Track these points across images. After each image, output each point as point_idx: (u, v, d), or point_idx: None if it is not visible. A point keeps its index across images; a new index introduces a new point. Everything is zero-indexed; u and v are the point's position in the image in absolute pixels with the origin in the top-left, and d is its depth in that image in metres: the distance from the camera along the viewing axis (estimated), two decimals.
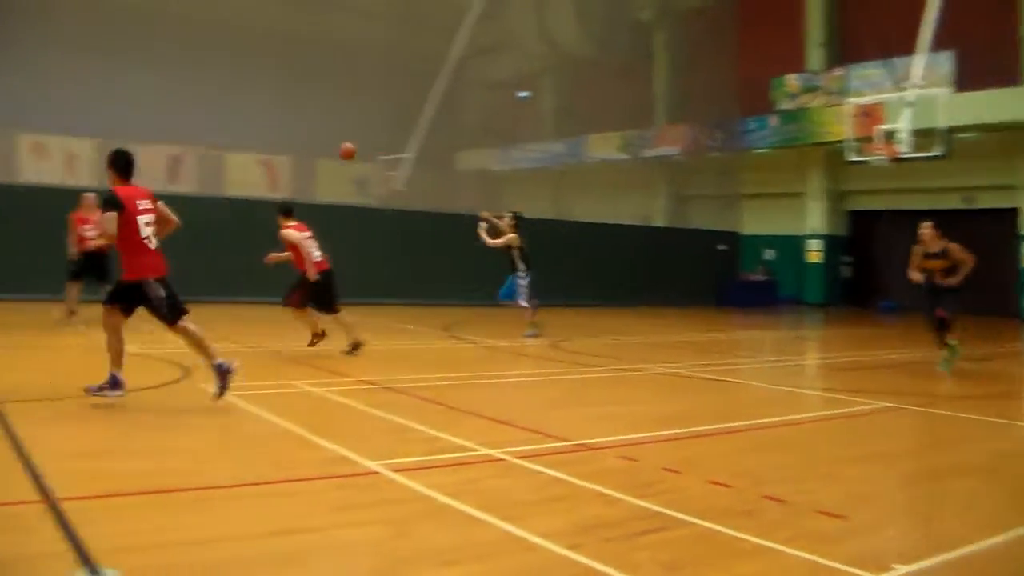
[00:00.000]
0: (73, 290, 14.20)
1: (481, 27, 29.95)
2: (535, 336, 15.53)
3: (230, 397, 8.14)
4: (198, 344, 8.18)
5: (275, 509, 5.12)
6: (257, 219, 17.19)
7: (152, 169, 26.99)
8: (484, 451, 6.62)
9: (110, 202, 7.83)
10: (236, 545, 4.46)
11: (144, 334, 11.06)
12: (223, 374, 8.00)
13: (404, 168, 28.50)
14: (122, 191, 7.95)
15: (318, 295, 12.00)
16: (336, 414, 8.16)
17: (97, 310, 8.18)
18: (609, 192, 33.89)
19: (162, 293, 7.93)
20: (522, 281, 15.64)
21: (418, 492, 5.43)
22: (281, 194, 26.20)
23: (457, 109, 33.25)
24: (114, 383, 7.92)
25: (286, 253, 12.07)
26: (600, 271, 25.97)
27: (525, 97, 39.21)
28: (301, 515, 5.00)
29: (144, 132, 26.02)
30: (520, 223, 15.98)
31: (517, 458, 6.40)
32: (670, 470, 6.29)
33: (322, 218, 17.45)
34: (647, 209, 33.70)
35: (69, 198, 15.08)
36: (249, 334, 14.13)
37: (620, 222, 28.85)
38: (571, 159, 35.82)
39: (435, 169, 31.66)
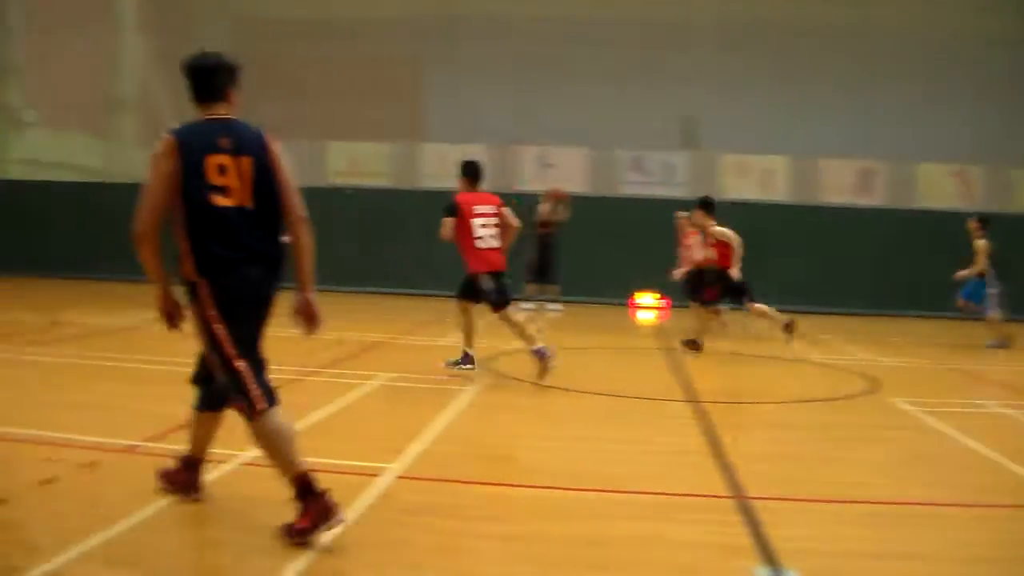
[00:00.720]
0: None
1: None
2: (1002, 346, 13.97)
3: (917, 413, 7.97)
4: (519, 332, 9.25)
5: (956, 533, 4.91)
6: (947, 231, 16.58)
7: (840, 183, 27.15)
8: None
9: (446, 209, 9.19)
10: (913, 565, 4.37)
11: (824, 346, 11.25)
12: (542, 359, 8.97)
13: None
14: (461, 198, 9.25)
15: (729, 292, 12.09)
16: None
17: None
18: None
19: (491, 285, 9.10)
20: (992, 291, 13.94)
21: None
22: (975, 206, 24.74)
23: None
24: (466, 359, 9.40)
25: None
26: None
27: None
28: (985, 543, 4.75)
29: (833, 147, 26.38)
30: (986, 226, 14.11)
31: None
32: None
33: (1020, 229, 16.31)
34: None
35: (759, 212, 15.79)
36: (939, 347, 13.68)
37: None
38: None
39: None
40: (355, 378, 8.93)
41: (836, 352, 12.64)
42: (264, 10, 32.65)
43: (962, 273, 14.34)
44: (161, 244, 4.36)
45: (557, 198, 17.53)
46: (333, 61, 29.98)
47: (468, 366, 9.46)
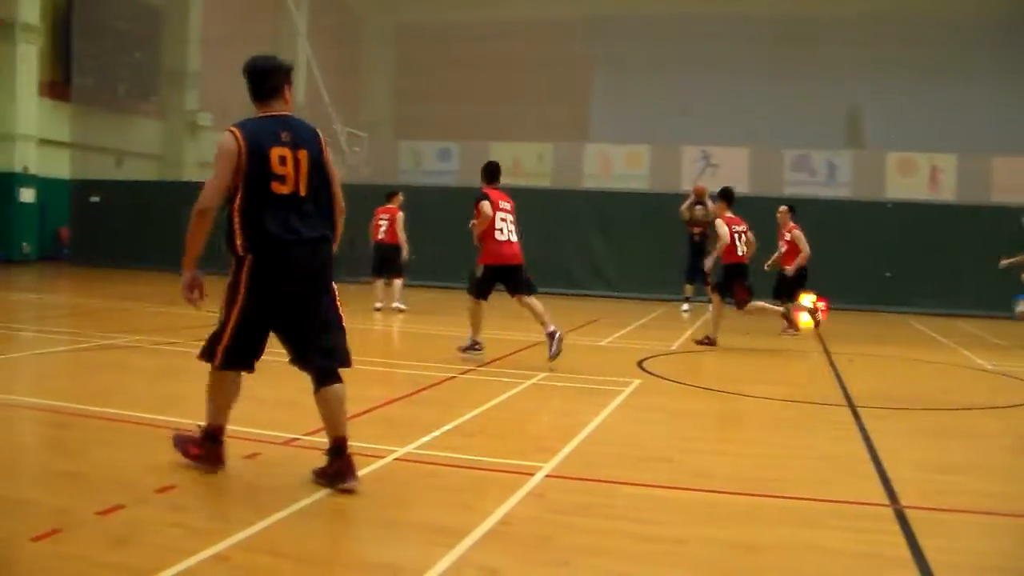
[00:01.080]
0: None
1: None
2: None
3: None
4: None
5: None
6: None
7: (1014, 182, 26.00)
8: None
9: (480, 197, 10.07)
10: None
11: (999, 352, 10.74)
12: (554, 339, 9.70)
13: None
14: (491, 192, 10.15)
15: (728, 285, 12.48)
16: None
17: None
18: None
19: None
20: None
21: None
22: None
23: None
24: (473, 345, 10.23)
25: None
26: None
27: None
28: None
29: (1002, 146, 25.28)
30: None
31: None
32: None
33: None
34: None
35: (925, 212, 15.26)
36: None
37: None
38: None
39: None
40: (511, 377, 9.07)
41: (1010, 359, 12.11)
42: (429, 14, 33.32)
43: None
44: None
45: (697, 195, 17.41)
46: (495, 63, 30.37)
47: (477, 352, 10.25)
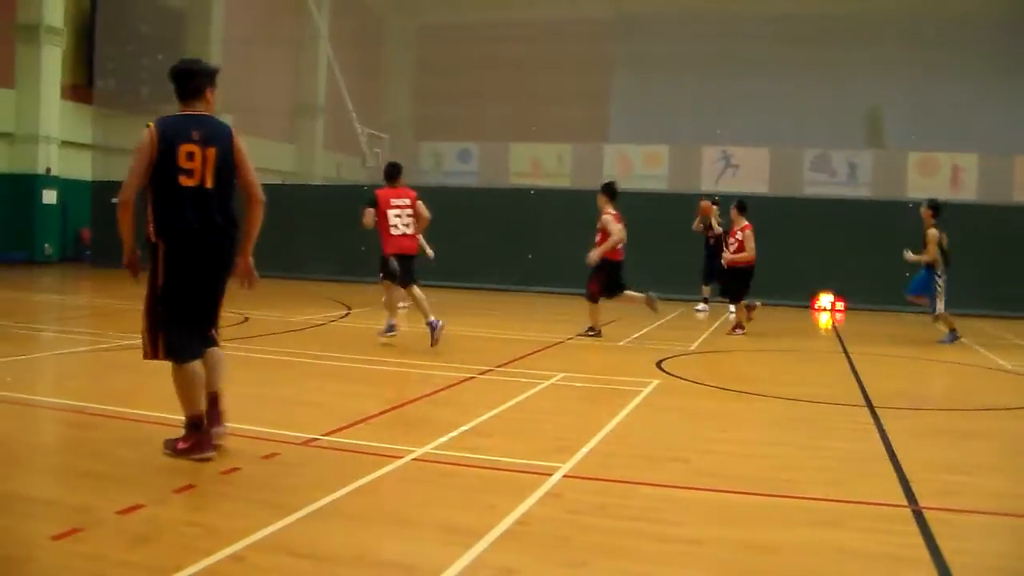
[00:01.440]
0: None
1: None
2: (952, 341, 13.56)
3: None
4: (420, 306, 11.01)
5: None
6: None
7: None
8: None
9: (368, 201, 11.01)
10: None
11: (1018, 352, 10.66)
12: (433, 330, 10.75)
13: None
14: (380, 193, 11.07)
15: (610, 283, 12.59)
16: None
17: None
18: None
19: (395, 266, 10.86)
20: (940, 279, 13.40)
21: None
22: None
23: None
24: (389, 328, 11.31)
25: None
26: None
27: None
28: None
29: None
30: (938, 213, 13.62)
31: None
32: None
33: None
34: None
35: (950, 211, 15.19)
36: None
37: None
38: None
39: None
40: (529, 377, 9.07)
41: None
42: (449, 16, 33.35)
43: (911, 256, 13.73)
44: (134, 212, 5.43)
45: (703, 213, 17.35)
46: (515, 64, 30.37)
47: (391, 334, 11.27)
